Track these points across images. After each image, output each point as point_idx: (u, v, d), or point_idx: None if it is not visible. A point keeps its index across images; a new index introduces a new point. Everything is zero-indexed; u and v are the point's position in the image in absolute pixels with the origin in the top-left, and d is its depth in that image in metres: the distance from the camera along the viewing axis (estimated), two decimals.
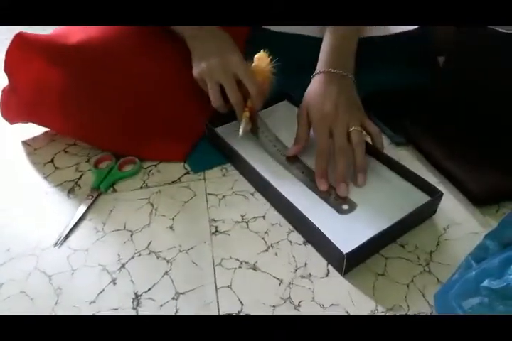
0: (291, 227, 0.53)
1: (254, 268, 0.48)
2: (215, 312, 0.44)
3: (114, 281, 0.48)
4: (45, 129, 0.70)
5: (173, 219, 0.55)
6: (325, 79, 0.57)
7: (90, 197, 0.58)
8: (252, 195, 0.57)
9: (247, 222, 0.54)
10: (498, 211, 0.53)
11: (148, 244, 0.52)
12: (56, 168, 0.64)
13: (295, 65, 0.63)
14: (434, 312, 0.43)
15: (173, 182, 0.60)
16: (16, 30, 0.58)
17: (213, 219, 0.54)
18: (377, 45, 0.68)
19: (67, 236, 0.53)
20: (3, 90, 0.64)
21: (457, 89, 0.66)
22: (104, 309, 0.45)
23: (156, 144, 0.64)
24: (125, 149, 0.63)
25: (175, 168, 0.62)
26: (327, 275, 0.47)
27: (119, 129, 0.62)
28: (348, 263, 0.45)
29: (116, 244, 0.52)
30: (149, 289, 0.47)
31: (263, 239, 0.52)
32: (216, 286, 0.47)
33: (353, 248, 0.44)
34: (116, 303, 0.46)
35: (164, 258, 0.50)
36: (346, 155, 0.53)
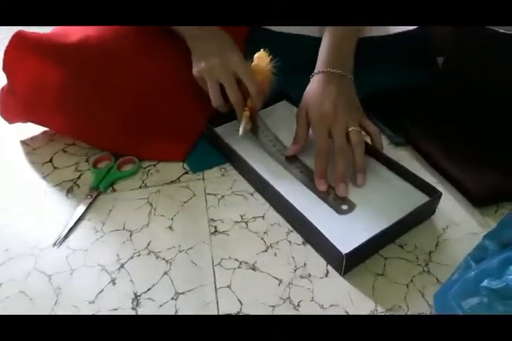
0: (291, 227, 0.53)
1: (254, 268, 0.48)
2: (214, 312, 0.44)
3: (113, 281, 0.48)
4: (44, 129, 0.70)
5: (172, 219, 0.55)
6: (324, 79, 0.57)
7: (89, 196, 0.58)
8: (252, 194, 0.57)
9: (246, 222, 0.54)
10: (497, 211, 0.53)
11: (148, 244, 0.52)
12: (55, 167, 0.64)
13: (294, 65, 0.63)
14: (434, 313, 0.43)
15: (172, 182, 0.60)
16: (14, 29, 0.58)
17: (212, 219, 0.54)
18: (377, 45, 0.68)
19: (66, 236, 0.53)
20: (2, 90, 0.63)
21: (456, 89, 0.66)
22: (103, 309, 0.45)
23: (156, 144, 0.64)
24: (124, 149, 0.63)
25: (174, 168, 0.62)
26: (326, 276, 0.47)
27: (118, 129, 0.62)
28: (348, 264, 0.45)
29: (116, 243, 0.52)
30: (149, 289, 0.47)
31: (262, 239, 0.52)
32: (216, 286, 0.47)
33: (352, 248, 0.44)
34: (115, 303, 0.46)
35: (163, 258, 0.50)
36: (345, 156, 0.53)
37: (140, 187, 0.60)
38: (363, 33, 0.66)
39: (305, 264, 0.48)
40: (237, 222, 0.54)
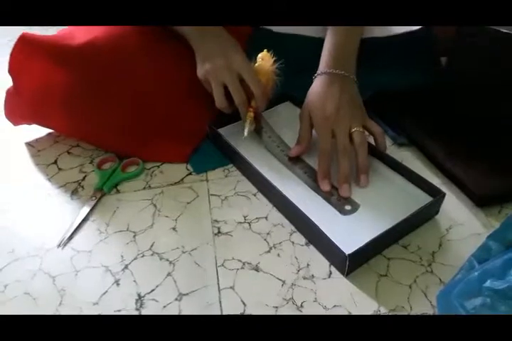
0: (294, 228, 0.53)
1: (257, 269, 0.48)
2: (217, 313, 0.44)
3: (117, 282, 0.48)
4: (49, 131, 0.70)
5: (176, 220, 0.55)
6: (327, 80, 0.57)
7: (94, 198, 0.58)
8: (255, 195, 0.58)
9: (249, 223, 0.54)
10: (500, 212, 0.53)
11: (152, 245, 0.52)
12: (60, 169, 0.64)
13: (297, 66, 0.63)
14: (437, 313, 0.43)
15: (175, 183, 0.60)
16: (20, 31, 0.59)
17: (216, 220, 0.54)
18: (380, 45, 0.68)
19: (70, 237, 0.53)
20: (8, 92, 0.64)
21: (460, 89, 0.66)
22: (107, 310, 0.45)
23: (159, 145, 0.64)
24: (128, 150, 0.64)
25: (177, 169, 0.63)
26: (329, 276, 0.47)
27: (122, 130, 0.62)
28: (351, 264, 0.45)
29: (120, 244, 0.52)
30: (152, 290, 0.47)
31: (265, 239, 0.52)
32: (219, 287, 0.47)
33: (355, 249, 0.44)
34: (119, 304, 0.46)
35: (167, 259, 0.50)
36: (349, 156, 0.53)
37: (144, 189, 0.60)
38: (365, 33, 0.66)
39: (308, 265, 0.48)
40: (241, 222, 0.54)
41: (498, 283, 0.36)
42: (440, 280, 0.46)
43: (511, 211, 0.53)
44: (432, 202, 0.50)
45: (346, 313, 0.44)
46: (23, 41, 0.59)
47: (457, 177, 0.56)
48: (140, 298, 0.46)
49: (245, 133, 0.58)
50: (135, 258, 0.50)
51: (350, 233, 0.48)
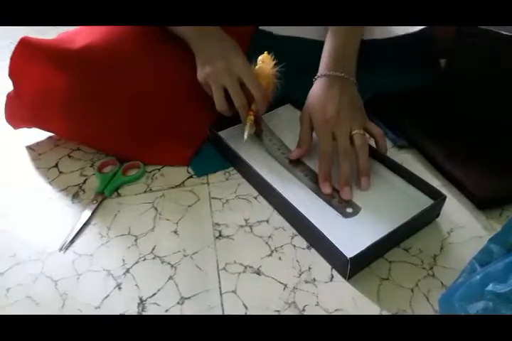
0: (295, 231, 0.53)
1: (259, 273, 0.48)
2: None
3: (119, 286, 0.48)
4: (49, 134, 0.70)
5: (177, 223, 0.55)
6: (327, 82, 0.57)
7: (95, 201, 0.58)
8: (256, 198, 0.58)
9: (250, 226, 0.54)
10: (501, 214, 0.53)
11: (153, 249, 0.52)
12: (60, 172, 0.64)
13: (297, 68, 0.63)
14: None
15: (176, 186, 0.60)
16: (20, 35, 0.59)
17: (217, 223, 0.54)
18: (379, 47, 0.68)
19: (72, 241, 0.53)
20: (8, 95, 0.64)
21: (459, 91, 0.66)
22: (109, 314, 0.45)
23: (160, 148, 0.64)
24: (129, 153, 0.64)
25: (178, 172, 0.63)
26: (331, 280, 0.47)
27: (122, 133, 0.62)
28: (352, 268, 0.45)
29: (121, 248, 0.52)
30: (154, 294, 0.47)
31: (267, 243, 0.52)
32: (221, 291, 0.47)
33: (356, 252, 0.44)
34: (121, 308, 0.46)
35: (169, 263, 0.50)
36: (350, 159, 0.53)
37: (145, 192, 0.60)
38: (365, 35, 0.66)
39: (310, 268, 0.48)
40: (242, 226, 0.54)
41: (501, 286, 0.36)
42: (442, 283, 0.46)
43: None
44: (432, 204, 0.50)
45: None
46: (23, 45, 0.59)
47: (457, 180, 0.56)
48: (142, 302, 0.46)
49: (245, 137, 0.58)
50: (136, 262, 0.50)
51: (351, 236, 0.48)
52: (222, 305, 0.45)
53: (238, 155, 0.58)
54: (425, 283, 0.46)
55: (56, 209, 0.58)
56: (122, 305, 0.46)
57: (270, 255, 0.50)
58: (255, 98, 0.58)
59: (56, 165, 0.66)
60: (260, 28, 0.72)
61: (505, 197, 0.54)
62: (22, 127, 0.68)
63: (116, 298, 0.47)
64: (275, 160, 0.61)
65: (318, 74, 0.59)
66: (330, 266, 0.48)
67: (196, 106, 0.65)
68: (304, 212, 0.49)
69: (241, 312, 0.45)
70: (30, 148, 0.69)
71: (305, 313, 0.44)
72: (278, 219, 0.54)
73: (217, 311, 0.45)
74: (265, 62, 0.61)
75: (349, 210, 0.52)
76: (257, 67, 0.61)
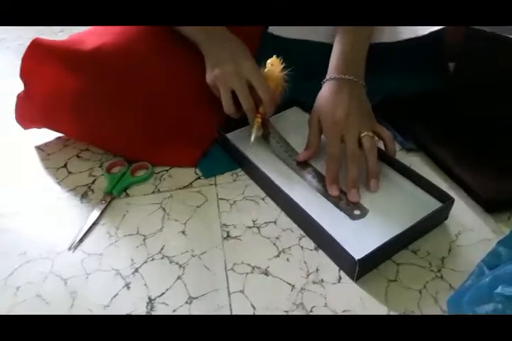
0: (303, 233, 0.53)
1: (266, 273, 0.49)
2: None
3: (127, 285, 0.48)
4: (58, 135, 0.71)
5: (185, 223, 0.55)
6: (336, 86, 0.58)
7: (103, 201, 0.58)
8: (263, 200, 0.58)
9: (258, 227, 0.54)
10: (510, 218, 0.53)
11: (161, 249, 0.52)
12: (69, 172, 0.65)
13: (305, 71, 0.64)
14: None
15: (184, 187, 0.61)
16: (31, 36, 0.59)
17: (225, 224, 0.55)
18: (388, 51, 0.68)
19: (81, 241, 0.54)
20: (19, 96, 0.65)
21: (468, 94, 0.66)
22: (118, 313, 0.46)
23: (168, 149, 0.64)
24: (137, 154, 0.64)
25: (186, 173, 0.63)
26: (339, 281, 0.47)
27: (131, 134, 0.63)
28: (360, 269, 0.45)
29: (130, 248, 0.53)
30: (163, 293, 0.47)
31: (274, 244, 0.52)
32: (229, 291, 0.47)
33: (365, 254, 0.44)
34: (130, 307, 0.46)
35: (177, 263, 0.50)
36: (358, 161, 0.53)
37: (153, 192, 0.60)
38: (374, 38, 0.67)
39: (317, 270, 0.49)
40: (249, 227, 0.54)
41: (510, 289, 0.36)
42: (450, 285, 0.46)
43: None
44: (441, 207, 0.50)
45: None
46: (34, 46, 0.60)
47: (466, 183, 0.56)
48: (150, 301, 0.46)
49: (252, 139, 0.59)
50: (145, 262, 0.51)
51: (359, 238, 0.49)
52: (230, 305, 0.46)
53: (246, 156, 0.59)
54: (433, 285, 0.46)
55: (65, 209, 0.59)
56: (131, 304, 0.46)
57: (278, 256, 0.50)
58: (263, 101, 0.58)
59: (65, 166, 0.66)
60: (268, 31, 0.72)
61: None
62: (32, 127, 0.69)
63: (124, 297, 0.47)
64: (282, 162, 0.61)
65: (327, 77, 0.59)
66: (338, 268, 0.49)
67: (205, 108, 0.65)
68: (311, 214, 0.49)
69: (249, 312, 0.45)
70: (39, 148, 0.70)
71: (313, 314, 0.44)
72: (286, 221, 0.55)
73: (226, 311, 0.45)
74: (274, 65, 0.61)
75: (357, 212, 0.52)
76: (266, 70, 0.61)
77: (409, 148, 0.63)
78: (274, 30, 0.72)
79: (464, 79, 0.66)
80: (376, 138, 0.55)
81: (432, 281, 0.46)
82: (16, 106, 0.66)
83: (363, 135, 0.53)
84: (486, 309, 0.36)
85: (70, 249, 0.53)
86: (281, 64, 0.61)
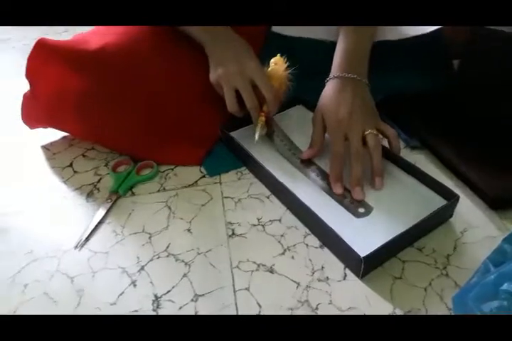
0: (308, 230, 0.53)
1: (272, 271, 0.49)
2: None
3: (134, 283, 0.49)
4: (64, 134, 0.71)
5: (190, 222, 0.56)
6: (339, 84, 0.58)
7: (109, 200, 0.59)
8: (268, 198, 0.58)
9: (263, 225, 0.54)
10: None
11: (167, 247, 0.52)
12: (75, 172, 0.65)
13: (309, 69, 0.64)
14: None
15: (189, 185, 0.61)
16: (34, 36, 0.60)
17: (230, 222, 0.55)
18: (392, 49, 0.68)
19: (87, 239, 0.54)
20: (24, 96, 0.65)
21: (472, 92, 0.66)
22: (124, 310, 0.46)
23: (173, 148, 0.65)
24: (143, 153, 0.65)
25: (191, 172, 0.63)
26: (344, 279, 0.47)
27: (136, 133, 0.63)
28: (366, 267, 0.45)
29: (136, 246, 0.53)
30: (168, 291, 0.48)
31: (279, 242, 0.52)
32: (234, 289, 0.47)
33: (370, 251, 0.44)
34: (136, 305, 0.46)
35: (183, 261, 0.51)
36: (362, 159, 0.53)
37: (158, 191, 0.61)
38: (377, 37, 0.67)
39: (322, 267, 0.49)
40: (254, 225, 0.54)
41: None
42: (455, 283, 0.46)
43: None
44: (446, 205, 0.50)
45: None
46: (39, 46, 0.60)
47: (470, 180, 0.56)
48: (157, 299, 0.47)
49: (256, 138, 0.59)
50: (151, 260, 0.51)
51: (364, 236, 0.49)
52: (236, 303, 0.46)
53: (250, 154, 0.59)
54: (438, 282, 0.46)
55: (71, 208, 0.59)
56: (137, 301, 0.47)
57: (283, 254, 0.51)
58: (267, 99, 0.58)
59: (71, 165, 0.67)
60: (272, 30, 0.72)
61: None
62: (38, 127, 0.69)
63: (131, 295, 0.47)
64: (287, 161, 0.61)
65: (331, 75, 0.59)
66: (343, 265, 0.49)
67: (209, 107, 0.66)
68: (316, 212, 0.49)
69: (255, 310, 0.45)
70: (45, 147, 0.71)
71: (318, 312, 0.45)
72: (290, 219, 0.55)
73: (231, 308, 0.45)
74: (278, 64, 0.62)
75: (361, 210, 0.52)
76: (269, 69, 0.61)
77: (414, 146, 0.63)
78: (278, 28, 0.72)
79: (468, 76, 0.66)
80: (380, 136, 0.55)
81: (438, 279, 0.46)
82: (22, 105, 0.66)
83: (367, 133, 0.53)
84: (492, 306, 0.36)
85: (76, 247, 0.53)
86: (285, 63, 0.61)
